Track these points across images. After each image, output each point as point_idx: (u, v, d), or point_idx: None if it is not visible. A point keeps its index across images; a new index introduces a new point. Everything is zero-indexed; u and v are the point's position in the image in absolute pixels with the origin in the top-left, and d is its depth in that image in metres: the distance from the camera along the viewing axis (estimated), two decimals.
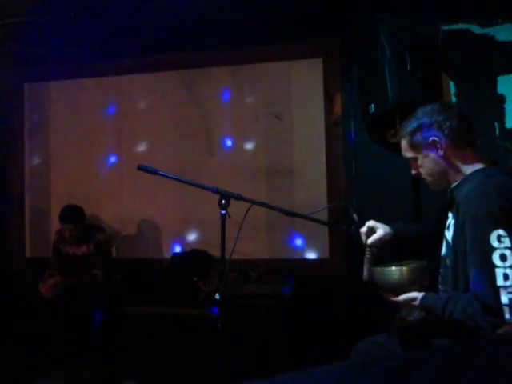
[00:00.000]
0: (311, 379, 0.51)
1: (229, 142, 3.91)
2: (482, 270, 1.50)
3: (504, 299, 1.45)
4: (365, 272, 1.83)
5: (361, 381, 0.51)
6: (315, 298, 3.46)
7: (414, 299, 1.70)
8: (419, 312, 1.82)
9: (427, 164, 1.75)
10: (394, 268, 1.78)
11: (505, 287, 1.45)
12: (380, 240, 1.90)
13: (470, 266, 1.56)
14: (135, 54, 3.97)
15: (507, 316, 1.45)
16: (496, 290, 1.46)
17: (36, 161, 4.30)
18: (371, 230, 1.91)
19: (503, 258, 1.47)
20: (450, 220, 1.75)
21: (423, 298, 1.68)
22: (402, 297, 1.72)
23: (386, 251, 1.96)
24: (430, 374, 0.51)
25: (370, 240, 1.88)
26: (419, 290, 1.70)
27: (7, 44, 3.88)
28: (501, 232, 1.48)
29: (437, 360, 0.54)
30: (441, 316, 1.59)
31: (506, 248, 1.47)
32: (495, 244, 1.48)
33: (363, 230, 1.92)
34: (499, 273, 1.46)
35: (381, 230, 1.91)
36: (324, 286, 3.52)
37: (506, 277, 1.46)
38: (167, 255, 3.92)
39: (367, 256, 1.87)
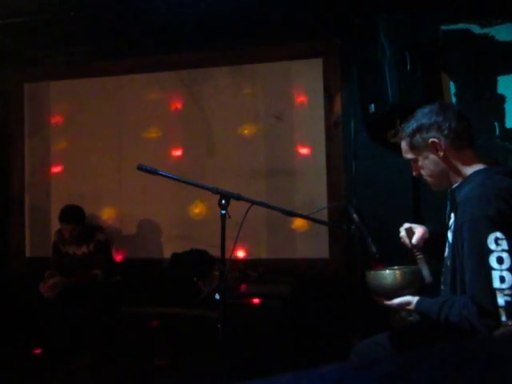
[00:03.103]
0: (311, 379, 0.51)
1: (229, 142, 3.91)
2: (479, 272, 1.50)
3: (500, 301, 1.45)
4: (425, 274, 1.78)
5: (361, 381, 0.50)
6: (315, 298, 3.46)
7: (409, 303, 1.69)
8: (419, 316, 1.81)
9: (427, 165, 1.74)
10: (387, 271, 1.77)
11: (501, 290, 1.45)
12: (422, 238, 1.88)
13: (466, 268, 1.55)
14: (135, 54, 3.97)
15: (503, 318, 1.45)
16: (492, 293, 1.46)
17: (36, 161, 4.30)
18: (410, 232, 1.90)
19: (500, 260, 1.46)
20: (452, 221, 1.75)
21: (418, 302, 1.67)
22: (396, 301, 1.71)
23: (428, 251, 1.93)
24: (430, 373, 0.51)
25: (415, 239, 1.86)
26: (413, 294, 1.70)
27: (7, 44, 3.88)
28: (498, 235, 1.48)
29: (437, 360, 0.54)
30: (436, 320, 1.59)
31: (503, 251, 1.47)
32: (492, 247, 1.48)
33: (402, 233, 1.90)
34: (496, 275, 1.46)
35: (419, 228, 1.90)
36: (324, 285, 3.52)
37: (502, 279, 1.45)
38: (167, 255, 3.92)
39: (419, 257, 1.82)
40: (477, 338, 1.49)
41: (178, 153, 3.98)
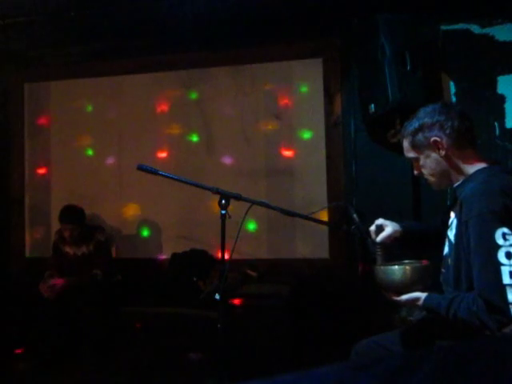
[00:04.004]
0: (311, 379, 0.51)
1: (229, 142, 3.91)
2: (488, 268, 1.48)
3: (510, 297, 1.44)
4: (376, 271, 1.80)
5: (361, 381, 0.50)
6: (315, 298, 3.46)
7: (418, 299, 1.68)
8: (419, 312, 1.80)
9: (429, 164, 1.74)
10: (396, 267, 1.75)
11: (511, 285, 1.44)
12: (389, 237, 1.88)
13: (474, 264, 1.54)
14: (135, 54, 3.97)
15: None
16: (502, 288, 1.45)
17: (36, 161, 4.30)
18: (380, 228, 1.89)
19: (509, 255, 1.45)
20: (453, 219, 1.74)
21: (427, 298, 1.66)
22: (404, 296, 1.70)
23: (396, 249, 1.94)
24: (430, 373, 0.51)
25: (380, 237, 1.86)
26: (422, 290, 1.69)
27: (7, 44, 3.88)
28: (505, 230, 1.47)
29: (437, 360, 0.54)
30: (445, 316, 1.58)
31: (511, 246, 1.46)
32: (500, 242, 1.47)
33: (372, 228, 1.90)
34: (505, 271, 1.45)
35: (389, 227, 1.89)
36: (324, 286, 3.52)
37: (511, 275, 1.45)
38: (167, 255, 3.92)
39: (378, 253, 1.83)
40: (477, 338, 1.49)
41: (178, 152, 3.98)
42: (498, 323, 1.45)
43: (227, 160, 3.89)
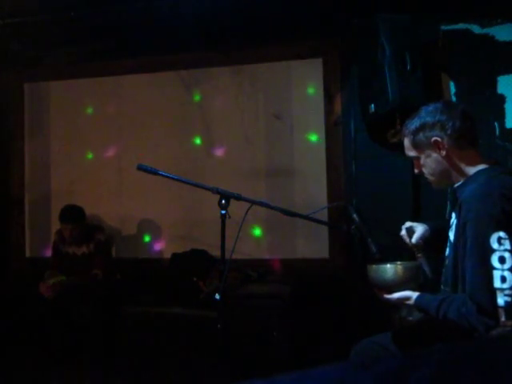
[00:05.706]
0: (311, 379, 0.51)
1: (229, 142, 3.91)
2: (480, 271, 1.50)
3: (500, 301, 1.45)
4: (428, 271, 1.79)
5: (361, 381, 0.51)
6: (315, 298, 3.46)
7: (408, 298, 1.69)
8: (419, 312, 1.81)
9: (429, 164, 1.74)
10: (388, 265, 1.77)
11: (501, 289, 1.45)
12: (422, 237, 1.88)
13: (467, 266, 1.55)
14: (135, 54, 3.97)
15: (502, 318, 1.45)
16: (492, 292, 1.46)
17: (36, 161, 4.30)
18: (411, 231, 1.89)
19: (502, 260, 1.46)
20: (453, 220, 1.74)
21: (418, 297, 1.67)
22: (395, 295, 1.71)
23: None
24: (429, 374, 0.51)
25: (414, 238, 1.86)
26: (414, 290, 1.70)
27: (7, 44, 3.88)
28: (501, 234, 1.47)
29: (437, 360, 0.54)
30: (435, 316, 1.59)
31: (505, 250, 1.46)
32: (495, 246, 1.47)
33: (403, 233, 1.90)
34: (497, 275, 1.46)
35: (420, 227, 1.90)
36: (324, 285, 3.52)
37: (503, 279, 1.45)
38: (167, 255, 3.92)
39: (418, 256, 1.82)
40: (476, 339, 1.49)
41: (178, 153, 3.98)
42: (485, 326, 1.46)
43: (227, 160, 3.89)
